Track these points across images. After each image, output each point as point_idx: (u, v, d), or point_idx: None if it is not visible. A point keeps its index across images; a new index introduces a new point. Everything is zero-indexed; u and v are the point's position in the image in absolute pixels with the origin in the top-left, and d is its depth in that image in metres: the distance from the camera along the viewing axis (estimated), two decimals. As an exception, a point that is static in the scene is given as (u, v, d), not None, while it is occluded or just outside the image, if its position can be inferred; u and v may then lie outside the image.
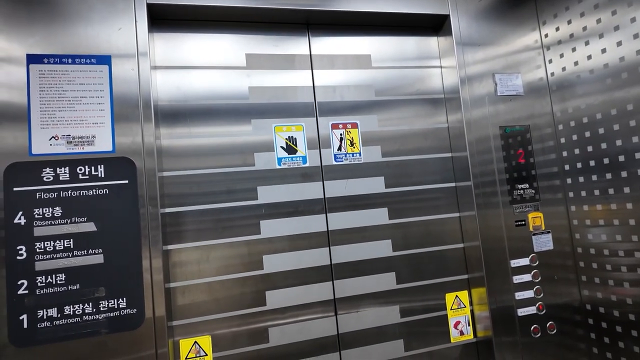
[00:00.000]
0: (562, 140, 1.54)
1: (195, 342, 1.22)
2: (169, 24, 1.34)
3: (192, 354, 1.21)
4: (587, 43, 1.43)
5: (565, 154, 1.53)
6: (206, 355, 1.22)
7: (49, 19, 1.16)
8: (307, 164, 1.40)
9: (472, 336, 1.47)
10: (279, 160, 1.38)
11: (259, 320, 1.30)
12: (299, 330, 1.32)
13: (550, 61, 1.59)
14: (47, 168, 1.09)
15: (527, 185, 1.50)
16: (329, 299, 1.37)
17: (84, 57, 1.17)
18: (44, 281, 1.05)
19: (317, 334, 1.34)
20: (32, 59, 1.13)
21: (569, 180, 1.52)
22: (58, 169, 1.10)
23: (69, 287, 1.07)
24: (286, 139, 1.39)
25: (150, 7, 1.25)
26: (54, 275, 1.06)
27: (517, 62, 1.58)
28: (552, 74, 1.58)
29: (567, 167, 1.52)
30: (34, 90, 1.12)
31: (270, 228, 1.34)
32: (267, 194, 1.35)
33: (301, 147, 1.40)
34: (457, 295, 1.48)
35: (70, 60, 1.16)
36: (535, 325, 1.43)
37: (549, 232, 1.51)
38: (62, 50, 1.16)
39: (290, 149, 1.39)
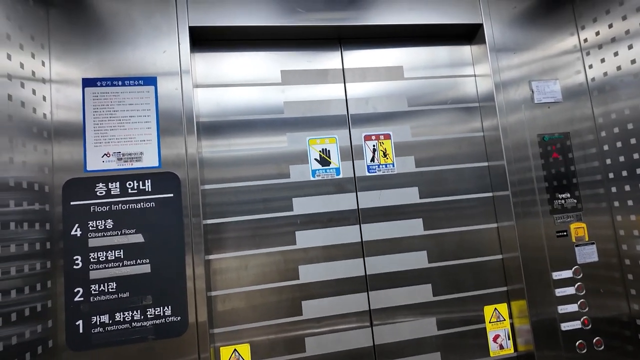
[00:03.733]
0: (606, 147, 1.48)
1: (235, 349, 1.26)
2: (209, 44, 1.41)
3: (232, 362, 1.25)
4: (630, 47, 1.38)
5: (609, 161, 1.47)
6: (246, 363, 1.26)
7: (101, 44, 1.25)
8: (341, 176, 1.43)
9: (512, 350, 1.43)
10: (313, 172, 1.41)
11: (296, 329, 1.32)
12: (335, 340, 1.34)
13: (590, 66, 1.54)
14: (100, 183, 1.17)
15: (568, 195, 1.46)
16: (365, 310, 1.38)
17: (132, 79, 1.25)
18: (97, 289, 1.12)
19: (353, 345, 1.35)
20: (87, 82, 1.22)
21: (613, 189, 1.46)
22: (110, 184, 1.18)
23: (120, 295, 1.14)
24: (320, 151, 1.43)
25: (192, 30, 1.32)
26: (106, 284, 1.13)
27: (555, 68, 1.54)
28: (593, 79, 1.53)
29: (611, 175, 1.46)
30: (88, 111, 1.21)
31: (306, 238, 1.37)
32: (302, 205, 1.39)
33: (334, 159, 1.43)
34: (496, 308, 1.45)
35: (120, 83, 1.24)
36: (580, 341, 1.38)
37: (593, 243, 1.45)
38: (113, 73, 1.25)
39: (324, 160, 1.42)
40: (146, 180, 1.20)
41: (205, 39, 1.40)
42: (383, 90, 1.52)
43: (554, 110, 1.50)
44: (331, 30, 1.46)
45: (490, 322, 1.43)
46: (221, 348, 1.26)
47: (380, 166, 1.46)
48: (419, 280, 1.42)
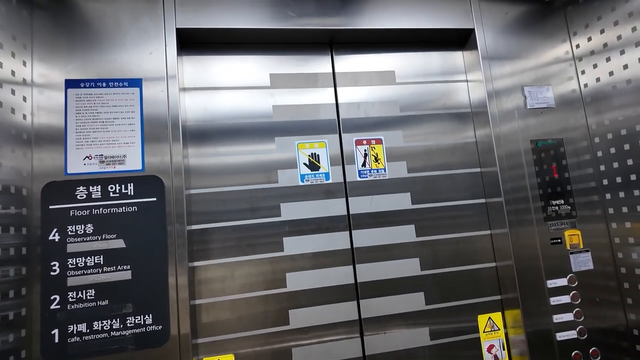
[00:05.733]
0: (599, 153, 1.46)
1: (219, 361, 1.21)
2: (197, 47, 1.39)
3: (215, 374, 1.20)
4: (622, 52, 1.37)
5: (603, 167, 1.45)
6: (230, 374, 1.21)
7: (87, 46, 1.23)
8: (331, 180, 1.40)
9: (507, 361, 1.39)
10: (302, 177, 1.38)
11: (282, 339, 1.28)
12: (324, 351, 1.29)
13: (582, 72, 1.53)
14: (81, 186, 1.14)
15: (562, 201, 1.43)
16: (354, 319, 1.33)
17: (117, 81, 1.22)
18: (75, 296, 1.08)
19: (342, 356, 1.30)
20: (70, 83, 1.19)
21: (608, 196, 1.44)
22: (91, 187, 1.14)
23: (98, 303, 1.09)
24: (309, 155, 1.40)
25: (180, 32, 1.30)
26: (84, 291, 1.09)
27: (548, 74, 1.53)
28: (586, 85, 1.52)
29: (605, 181, 1.44)
30: (70, 112, 1.18)
31: (293, 245, 1.33)
32: (291, 211, 1.35)
33: (324, 163, 1.40)
34: (490, 317, 1.41)
35: (104, 84, 1.21)
36: (576, 352, 1.34)
37: (587, 251, 1.42)
38: (97, 75, 1.22)
39: (313, 165, 1.39)
40: (129, 184, 1.16)
41: (193, 42, 1.38)
42: (375, 95, 1.50)
43: (547, 116, 1.49)
44: (322, 34, 1.44)
45: (484, 332, 1.39)
46: (204, 359, 1.21)
47: (372, 171, 1.43)
48: (411, 288, 1.38)
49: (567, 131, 1.49)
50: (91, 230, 1.12)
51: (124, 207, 1.15)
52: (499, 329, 1.40)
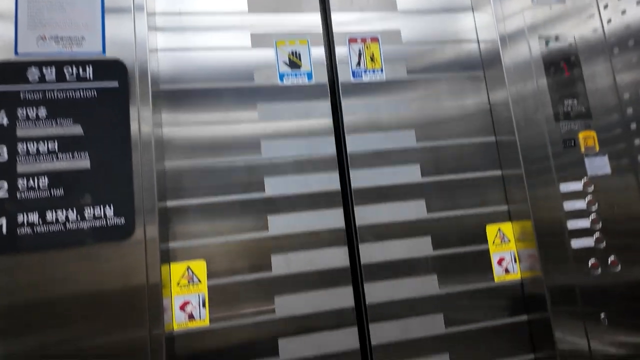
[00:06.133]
0: (616, 50, 1.32)
1: (189, 267, 1.07)
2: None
3: (184, 280, 1.07)
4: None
5: (619, 65, 1.31)
6: (200, 282, 1.08)
7: None
8: (314, 81, 1.25)
9: (519, 275, 1.25)
10: (281, 76, 1.24)
11: (261, 246, 1.14)
12: (307, 259, 1.15)
13: (605, 7, 1.37)
14: (33, 67, 1.01)
15: (575, 101, 1.29)
16: (341, 227, 1.19)
17: (75, -42, 1.09)
18: (25, 184, 0.95)
19: (329, 264, 1.16)
20: (21, -41, 1.07)
21: (626, 95, 1.30)
22: (44, 68, 1.01)
23: (52, 193, 0.96)
24: (289, 53, 1.25)
25: None
26: (36, 178, 0.96)
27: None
28: (609, 20, 1.36)
29: (624, 77, 1.30)
30: (22, -10, 1.05)
31: (273, 149, 1.19)
32: (269, 113, 1.21)
33: (306, 62, 1.25)
34: (499, 228, 1.27)
35: (60, -40, 1.08)
36: (593, 260, 1.20)
37: (605, 155, 1.28)
38: (52, -49, 1.09)
39: (294, 64, 1.25)
40: (87, 66, 1.03)
41: None
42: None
43: (556, 12, 1.34)
44: None
45: (493, 244, 1.25)
46: (172, 264, 1.07)
47: (368, 72, 1.29)
48: (411, 195, 1.24)
49: (580, 27, 1.35)
50: (44, 114, 0.99)
51: (81, 91, 1.02)
52: (510, 241, 1.27)
